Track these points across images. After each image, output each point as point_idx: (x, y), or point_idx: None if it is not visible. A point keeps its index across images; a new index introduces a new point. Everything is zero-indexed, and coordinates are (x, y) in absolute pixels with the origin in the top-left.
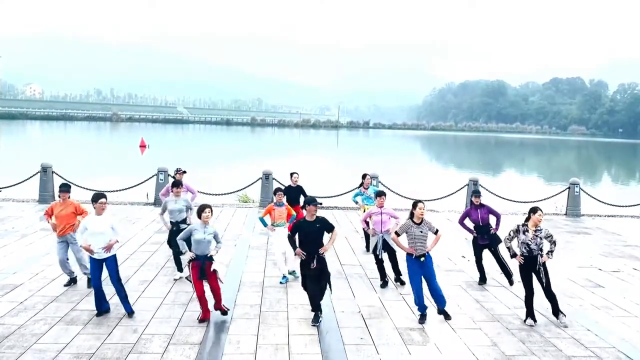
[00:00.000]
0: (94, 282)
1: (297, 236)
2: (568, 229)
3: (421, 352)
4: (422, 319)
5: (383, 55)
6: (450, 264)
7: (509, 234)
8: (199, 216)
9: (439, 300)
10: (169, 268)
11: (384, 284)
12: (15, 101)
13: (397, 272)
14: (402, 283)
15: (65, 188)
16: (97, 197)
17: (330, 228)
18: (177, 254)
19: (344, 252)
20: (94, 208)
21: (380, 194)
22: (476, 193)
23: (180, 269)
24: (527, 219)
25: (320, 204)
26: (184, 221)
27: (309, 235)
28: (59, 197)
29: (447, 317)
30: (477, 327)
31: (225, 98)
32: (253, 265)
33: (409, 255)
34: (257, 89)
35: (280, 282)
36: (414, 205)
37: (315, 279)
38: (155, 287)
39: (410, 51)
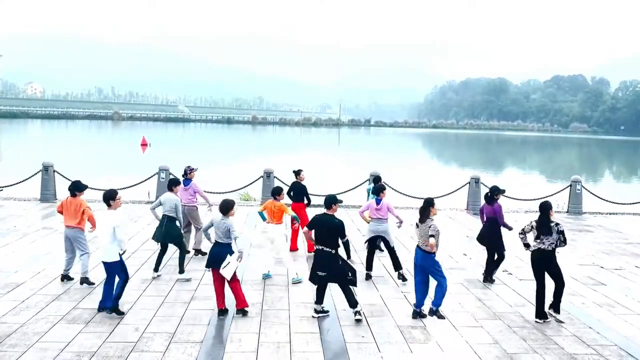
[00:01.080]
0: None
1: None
2: (570, 227)
3: (423, 350)
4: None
5: (384, 54)
6: (451, 262)
7: (562, 238)
8: (228, 212)
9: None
10: (171, 266)
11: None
12: (16, 100)
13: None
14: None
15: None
16: (115, 192)
17: None
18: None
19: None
20: (111, 205)
21: (383, 188)
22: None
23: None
24: (548, 215)
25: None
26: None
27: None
28: (75, 195)
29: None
30: (479, 325)
31: (226, 97)
32: (254, 264)
33: (433, 254)
34: (258, 88)
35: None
36: (432, 203)
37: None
38: (156, 286)
39: (410, 50)
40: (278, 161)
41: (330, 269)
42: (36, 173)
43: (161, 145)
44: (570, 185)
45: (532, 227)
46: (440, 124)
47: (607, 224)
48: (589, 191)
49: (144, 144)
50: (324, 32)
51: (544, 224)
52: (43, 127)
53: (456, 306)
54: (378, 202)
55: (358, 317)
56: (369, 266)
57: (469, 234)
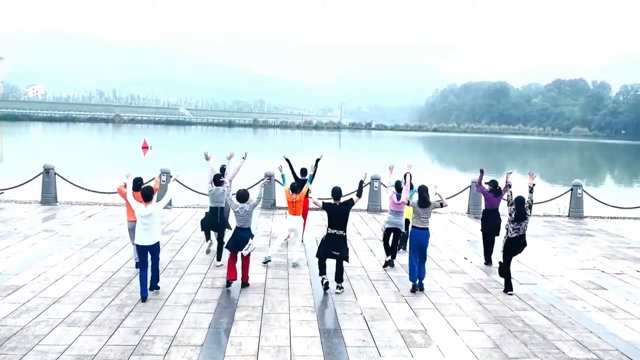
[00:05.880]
0: None
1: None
2: (571, 231)
3: (423, 354)
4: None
5: (385, 54)
6: (452, 266)
7: (530, 203)
8: (246, 200)
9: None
10: (171, 269)
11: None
12: (18, 102)
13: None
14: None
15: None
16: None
17: None
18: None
19: None
20: (151, 199)
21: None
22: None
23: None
24: (525, 205)
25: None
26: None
27: None
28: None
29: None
30: (480, 329)
31: (227, 99)
32: (255, 267)
33: None
34: (259, 90)
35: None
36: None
37: None
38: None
39: (411, 50)
40: (279, 164)
41: (343, 249)
42: (37, 175)
43: (162, 148)
44: (571, 189)
45: (513, 209)
46: (441, 128)
47: (608, 228)
48: (590, 195)
49: (145, 147)
50: (326, 32)
51: (523, 213)
52: (44, 129)
53: (457, 310)
54: (398, 197)
55: (338, 290)
56: (390, 251)
57: (470, 238)
